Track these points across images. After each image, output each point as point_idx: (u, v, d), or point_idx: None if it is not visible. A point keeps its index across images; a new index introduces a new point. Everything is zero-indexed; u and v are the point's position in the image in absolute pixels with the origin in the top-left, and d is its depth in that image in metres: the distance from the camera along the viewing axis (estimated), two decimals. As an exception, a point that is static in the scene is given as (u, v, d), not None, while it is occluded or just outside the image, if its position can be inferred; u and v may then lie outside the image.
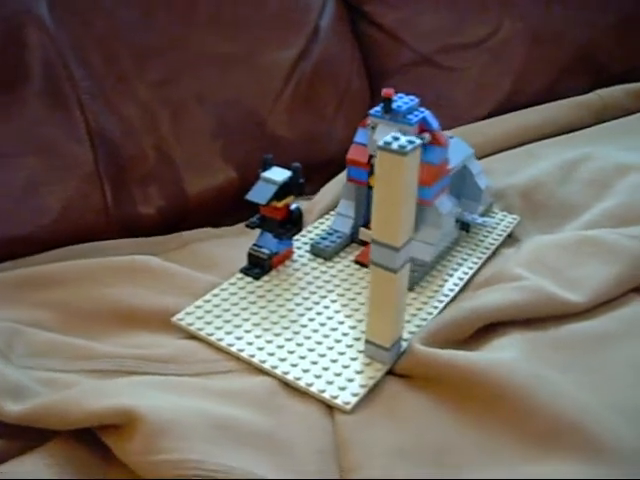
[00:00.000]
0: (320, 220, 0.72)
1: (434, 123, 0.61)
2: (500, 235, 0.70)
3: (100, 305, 0.58)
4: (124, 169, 0.70)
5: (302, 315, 0.58)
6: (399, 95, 0.61)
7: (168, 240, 0.70)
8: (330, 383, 0.51)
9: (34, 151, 0.66)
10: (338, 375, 0.51)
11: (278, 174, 0.61)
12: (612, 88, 0.94)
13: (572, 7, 0.93)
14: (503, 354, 0.52)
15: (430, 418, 0.48)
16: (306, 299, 0.60)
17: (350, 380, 0.51)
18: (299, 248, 0.67)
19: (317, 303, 0.59)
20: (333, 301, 0.60)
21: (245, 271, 0.62)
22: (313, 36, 0.81)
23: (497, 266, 0.64)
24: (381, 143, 0.45)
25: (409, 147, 0.44)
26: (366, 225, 0.66)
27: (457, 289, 0.62)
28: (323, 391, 0.50)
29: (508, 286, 0.58)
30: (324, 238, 0.66)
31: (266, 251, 0.62)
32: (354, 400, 0.49)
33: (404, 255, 0.48)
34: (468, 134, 0.85)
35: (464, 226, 0.69)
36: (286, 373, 0.52)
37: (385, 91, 0.58)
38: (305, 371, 0.52)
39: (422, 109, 0.61)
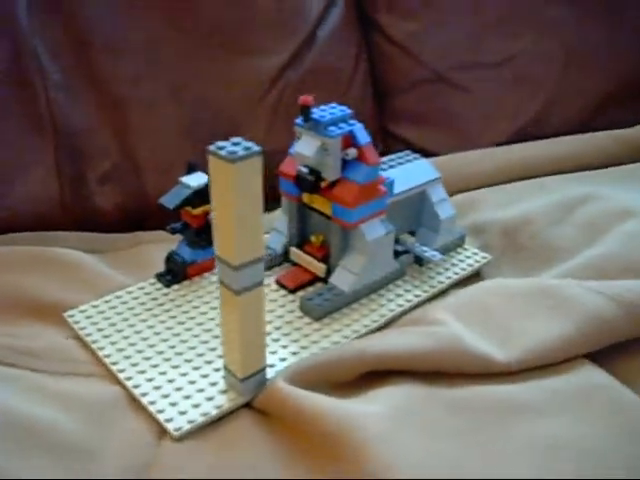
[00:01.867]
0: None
1: (363, 138, 0.55)
2: (457, 273, 0.62)
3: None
4: (85, 164, 0.71)
5: (189, 330, 0.54)
6: (331, 105, 0.56)
7: (120, 239, 0.69)
8: (173, 405, 0.47)
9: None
10: (187, 398, 0.47)
11: (196, 179, 0.58)
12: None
13: (617, 25, 0.81)
14: (368, 407, 0.45)
15: (259, 461, 0.43)
16: (203, 314, 0.56)
17: (196, 406, 0.47)
18: (229, 260, 0.63)
19: (212, 319, 0.55)
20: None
21: (159, 277, 0.60)
22: (307, 44, 0.77)
23: (426, 307, 0.57)
24: (212, 147, 0.40)
25: (241, 153, 0.40)
26: (299, 245, 0.61)
27: (374, 326, 0.55)
28: (161, 411, 0.46)
29: (419, 330, 0.51)
30: (253, 253, 0.62)
31: (178, 259, 0.59)
32: (186, 427, 0.45)
33: (250, 276, 0.44)
34: (476, 159, 0.77)
35: (417, 259, 0.62)
36: (136, 387, 0.48)
37: (302, 98, 0.53)
38: (156, 388, 0.48)
39: (353, 122, 0.55)
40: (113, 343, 0.53)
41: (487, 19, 0.81)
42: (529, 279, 0.57)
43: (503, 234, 0.66)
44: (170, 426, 0.45)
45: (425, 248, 0.61)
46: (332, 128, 0.54)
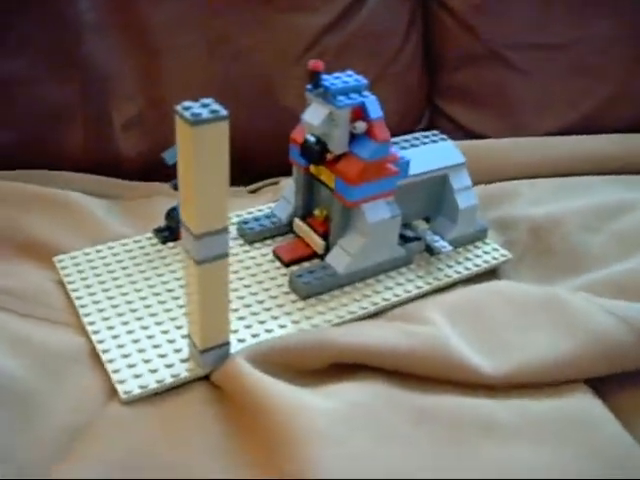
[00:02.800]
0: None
1: (375, 112, 0.51)
2: (469, 269, 0.57)
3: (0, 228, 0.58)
4: (111, 108, 0.70)
5: (170, 291, 0.53)
6: (347, 73, 0.52)
7: (134, 187, 0.68)
8: (131, 367, 0.45)
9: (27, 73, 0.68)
10: (146, 362, 0.46)
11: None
12: None
13: None
14: (324, 402, 0.42)
15: (197, 438, 0.41)
16: (178, 279, 0.54)
17: (153, 371, 0.45)
18: (232, 223, 0.61)
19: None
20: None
21: (156, 232, 0.59)
22: (355, 5, 0.72)
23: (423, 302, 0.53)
24: (179, 107, 0.38)
25: (205, 116, 0.37)
26: (304, 217, 0.58)
27: (361, 313, 0.52)
28: (116, 371, 0.45)
29: (402, 327, 0.47)
30: (256, 219, 0.60)
31: (177, 216, 0.57)
32: (136, 391, 0.43)
33: (211, 247, 0.41)
34: (517, 148, 0.71)
35: (428, 248, 0.58)
36: (100, 342, 0.47)
37: (312, 63, 0.49)
38: (119, 346, 0.47)
39: (367, 94, 0.51)
40: (92, 294, 0.52)
41: (556, -2, 0.73)
42: (540, 287, 0.52)
43: (530, 233, 0.61)
44: (120, 388, 0.44)
45: (437, 237, 0.57)
46: (341, 98, 0.50)
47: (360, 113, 0.51)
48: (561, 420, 0.43)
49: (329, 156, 0.52)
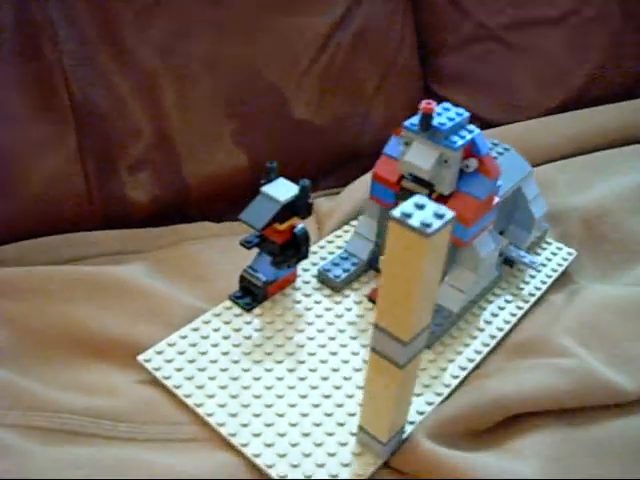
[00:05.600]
0: (337, 232, 0.61)
1: (485, 147, 0.48)
2: (550, 276, 0.58)
3: (54, 325, 0.48)
4: (113, 148, 0.60)
5: (292, 371, 0.48)
6: (444, 106, 0.48)
7: (160, 234, 0.60)
8: (308, 478, 0.41)
9: (3, 122, 0.56)
10: (320, 467, 0.42)
11: (283, 190, 0.49)
12: None
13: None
14: (522, 467, 0.41)
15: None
16: (301, 347, 0.49)
17: (333, 476, 0.41)
18: (306, 270, 0.56)
19: (313, 354, 0.49)
20: (333, 353, 0.49)
21: (234, 299, 0.52)
22: (352, 6, 0.66)
23: (539, 325, 0.52)
24: (397, 213, 0.33)
25: (435, 226, 0.32)
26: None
27: (487, 350, 0.51)
28: (292, 485, 0.41)
29: (549, 364, 0.47)
30: (336, 264, 0.55)
31: (261, 277, 0.52)
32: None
33: (414, 348, 0.37)
34: (537, 131, 0.71)
35: (507, 261, 0.57)
36: (257, 456, 0.42)
37: (425, 105, 0.45)
38: (281, 456, 0.42)
39: (471, 127, 0.48)
40: (210, 396, 0.45)
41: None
42: (635, 288, 0.54)
43: (582, 224, 0.62)
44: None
45: (522, 253, 0.56)
46: (455, 138, 0.46)
47: (469, 150, 0.48)
48: None
49: (432, 195, 0.49)
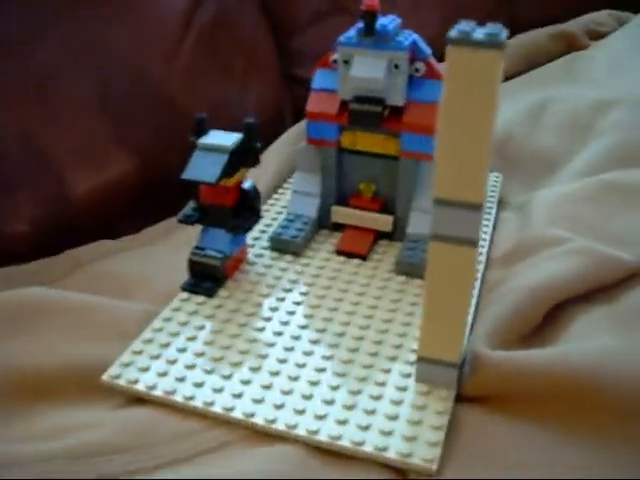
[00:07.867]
0: (269, 201, 0.53)
1: (426, 48, 0.45)
2: (493, 197, 0.56)
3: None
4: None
5: (297, 338, 0.39)
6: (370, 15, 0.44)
7: (54, 263, 0.47)
8: (387, 434, 0.33)
9: None
10: (393, 419, 0.33)
11: (223, 138, 0.41)
12: (530, 32, 0.84)
13: None
14: (594, 343, 0.37)
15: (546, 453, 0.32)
16: (291, 314, 0.41)
17: (417, 423, 0.33)
18: (252, 245, 0.48)
19: (311, 316, 0.41)
20: (331, 311, 0.41)
21: (190, 288, 0.42)
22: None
23: (515, 233, 0.50)
24: (454, 33, 0.27)
25: (503, 36, 0.28)
26: (342, 202, 0.49)
27: (480, 267, 0.46)
28: (383, 449, 0.32)
29: (557, 251, 0.44)
30: (285, 227, 0.47)
31: (217, 255, 0.42)
32: (437, 454, 0.32)
33: (461, 224, 0.32)
34: None
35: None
36: (314, 432, 0.33)
37: (367, 2, 0.41)
38: (341, 423, 0.33)
39: (407, 31, 0.45)
40: (218, 390, 0.35)
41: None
42: (581, 182, 0.54)
43: (496, 153, 0.62)
44: (417, 460, 0.31)
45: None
46: (400, 39, 0.42)
47: (412, 54, 0.44)
48: None
49: (385, 112, 0.44)
